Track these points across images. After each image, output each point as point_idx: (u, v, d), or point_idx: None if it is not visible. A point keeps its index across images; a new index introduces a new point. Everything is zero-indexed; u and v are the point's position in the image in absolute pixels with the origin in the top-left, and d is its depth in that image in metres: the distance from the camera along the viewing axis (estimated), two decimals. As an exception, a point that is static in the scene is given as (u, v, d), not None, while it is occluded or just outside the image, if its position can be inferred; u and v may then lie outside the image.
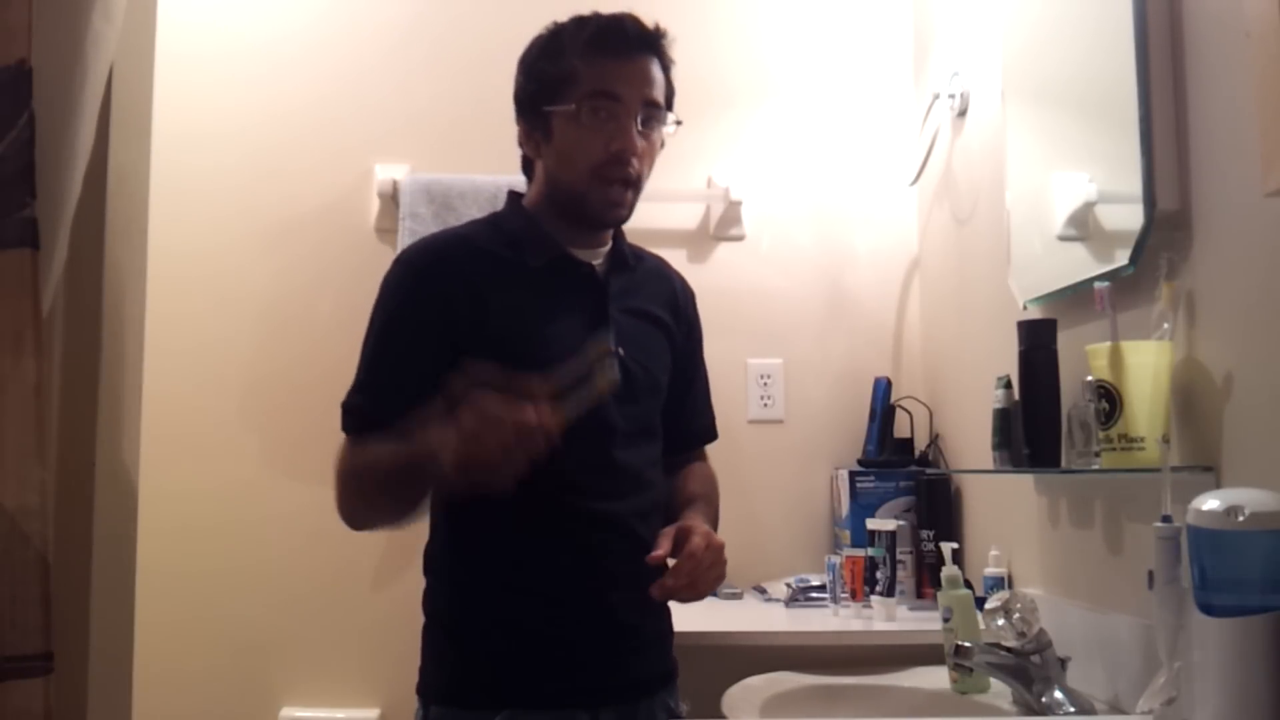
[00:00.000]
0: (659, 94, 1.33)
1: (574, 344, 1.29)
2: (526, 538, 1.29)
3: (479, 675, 1.28)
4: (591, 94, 1.30)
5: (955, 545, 1.79)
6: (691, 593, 1.23)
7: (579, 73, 1.30)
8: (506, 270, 1.32)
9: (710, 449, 1.57)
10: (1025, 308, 1.67)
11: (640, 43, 1.32)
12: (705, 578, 1.24)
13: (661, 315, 1.43)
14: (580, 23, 1.34)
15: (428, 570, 1.37)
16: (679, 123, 1.38)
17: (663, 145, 1.38)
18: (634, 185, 1.33)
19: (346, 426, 1.30)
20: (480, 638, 1.29)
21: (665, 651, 1.40)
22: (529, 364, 1.25)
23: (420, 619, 1.36)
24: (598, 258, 1.38)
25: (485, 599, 1.29)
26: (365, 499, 1.29)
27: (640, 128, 1.31)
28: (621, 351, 1.32)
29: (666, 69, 1.36)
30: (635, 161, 1.31)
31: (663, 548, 1.23)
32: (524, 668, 1.27)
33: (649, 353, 1.39)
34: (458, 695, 1.29)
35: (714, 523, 1.42)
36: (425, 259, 1.34)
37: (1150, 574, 1.13)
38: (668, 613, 1.40)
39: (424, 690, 1.32)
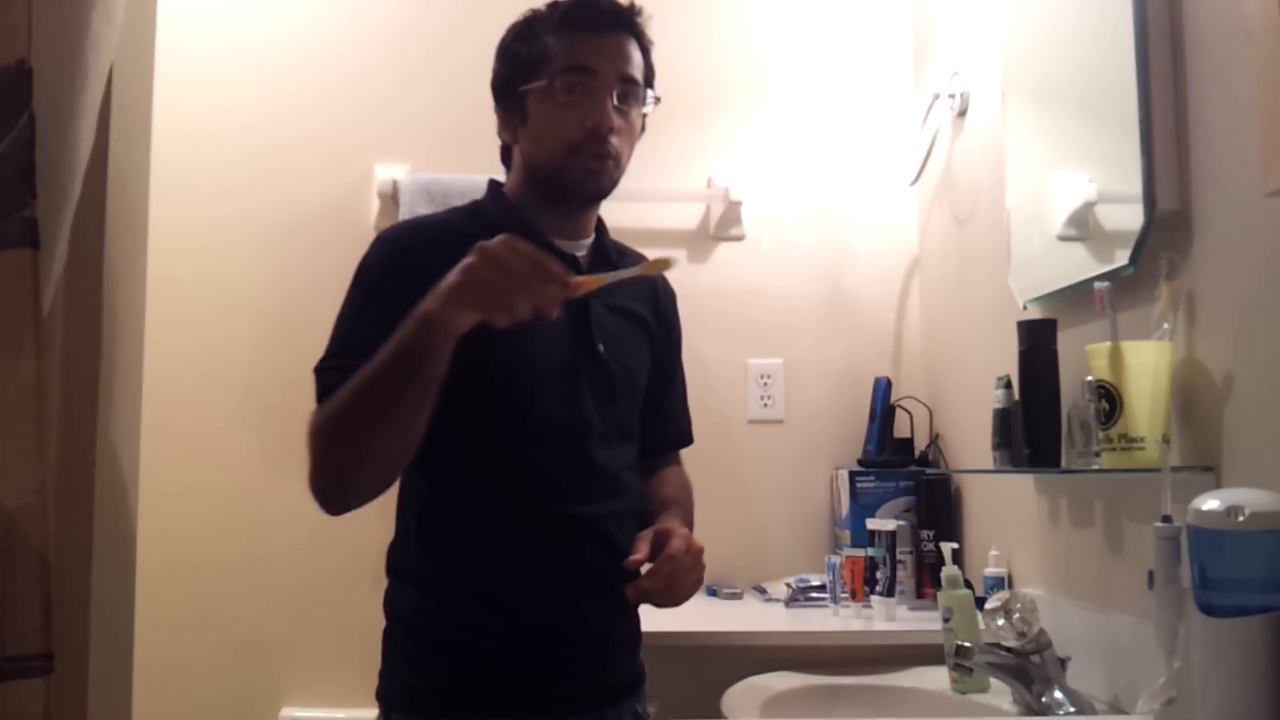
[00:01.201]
0: (635, 71, 1.30)
1: (554, 337, 1.27)
2: (497, 539, 1.24)
3: (441, 682, 1.23)
4: (565, 69, 1.26)
5: (955, 545, 1.79)
6: (668, 597, 1.21)
7: (552, 50, 1.27)
8: None
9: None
10: (1025, 308, 1.67)
11: (613, 18, 1.30)
12: (683, 582, 1.21)
13: (643, 313, 1.40)
14: (553, 4, 1.31)
15: (391, 570, 1.31)
16: (658, 100, 1.33)
17: (643, 130, 1.35)
18: (613, 159, 1.28)
19: (319, 392, 1.20)
20: (444, 643, 1.24)
21: (633, 658, 1.35)
22: (509, 356, 1.23)
23: None
24: (580, 249, 1.35)
25: (452, 602, 1.24)
26: (348, 440, 1.14)
27: (617, 103, 1.27)
28: (602, 348, 1.30)
29: (645, 49, 1.33)
30: (613, 139, 1.27)
31: (641, 551, 1.20)
32: (488, 674, 1.22)
33: (629, 352, 1.35)
34: (419, 703, 1.23)
35: (689, 528, 1.37)
36: (412, 236, 1.30)
37: (1150, 574, 1.13)
38: (637, 619, 1.36)
39: (383, 696, 1.27)
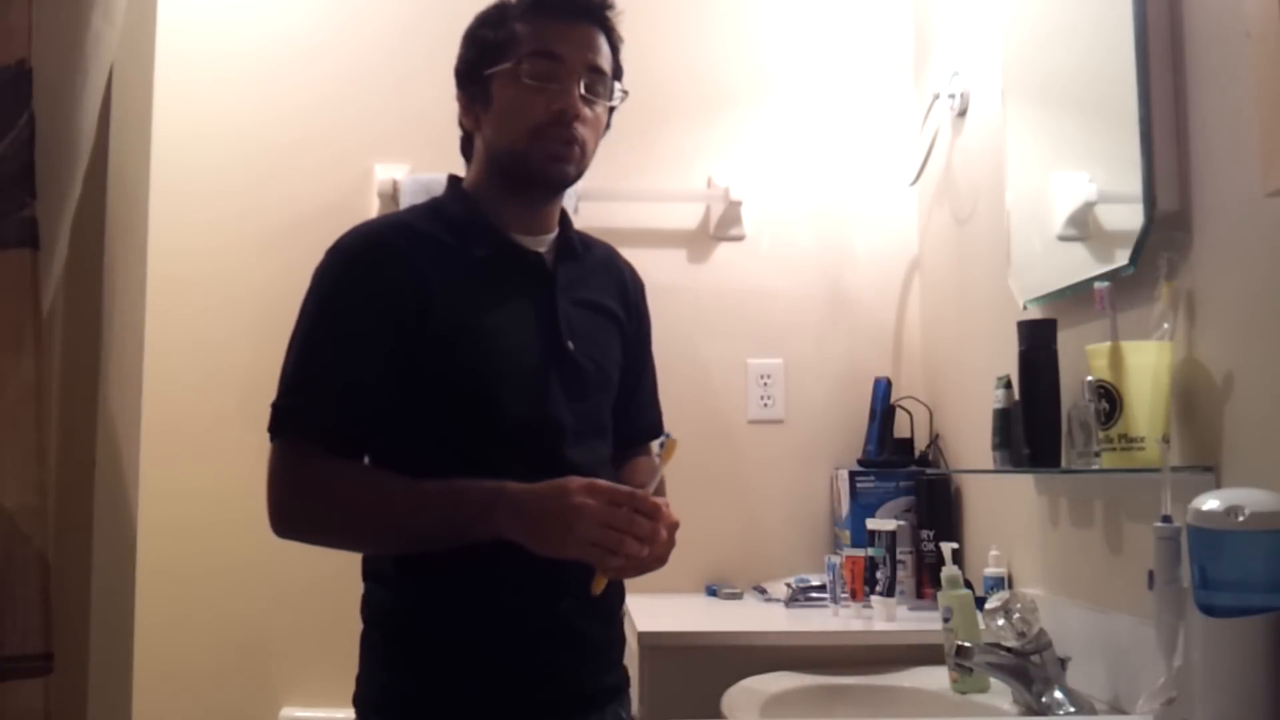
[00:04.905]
0: (604, 63, 1.29)
1: (521, 335, 1.25)
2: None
3: (417, 687, 1.22)
4: (533, 53, 1.25)
5: (955, 545, 1.78)
6: (635, 568, 1.17)
7: (520, 35, 1.27)
8: (450, 258, 1.26)
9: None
10: (1025, 308, 1.67)
11: (584, 8, 1.29)
12: (654, 554, 1.17)
13: (612, 306, 1.38)
14: None
15: (365, 574, 1.30)
16: (625, 93, 1.33)
17: (608, 127, 1.34)
18: (579, 145, 1.27)
19: (280, 429, 1.22)
20: (420, 648, 1.23)
21: (614, 662, 1.33)
22: (476, 358, 1.22)
23: None
24: (543, 245, 1.33)
25: (427, 606, 1.23)
26: (342, 525, 1.25)
27: (583, 93, 1.26)
28: (572, 345, 1.29)
29: (615, 44, 1.32)
30: (579, 126, 1.26)
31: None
32: (464, 680, 1.21)
33: (600, 346, 1.34)
34: (394, 708, 1.23)
35: None
36: (363, 245, 1.27)
37: (1150, 574, 1.13)
38: (618, 621, 1.34)
39: (360, 701, 1.27)
